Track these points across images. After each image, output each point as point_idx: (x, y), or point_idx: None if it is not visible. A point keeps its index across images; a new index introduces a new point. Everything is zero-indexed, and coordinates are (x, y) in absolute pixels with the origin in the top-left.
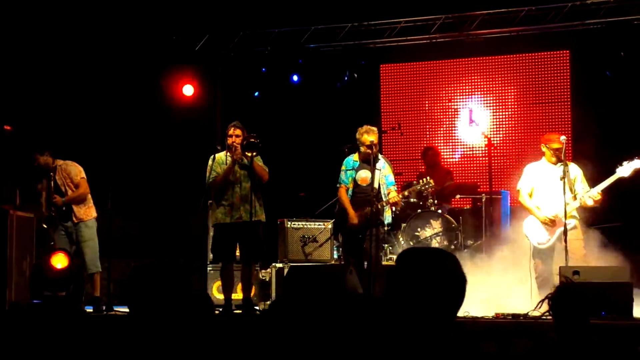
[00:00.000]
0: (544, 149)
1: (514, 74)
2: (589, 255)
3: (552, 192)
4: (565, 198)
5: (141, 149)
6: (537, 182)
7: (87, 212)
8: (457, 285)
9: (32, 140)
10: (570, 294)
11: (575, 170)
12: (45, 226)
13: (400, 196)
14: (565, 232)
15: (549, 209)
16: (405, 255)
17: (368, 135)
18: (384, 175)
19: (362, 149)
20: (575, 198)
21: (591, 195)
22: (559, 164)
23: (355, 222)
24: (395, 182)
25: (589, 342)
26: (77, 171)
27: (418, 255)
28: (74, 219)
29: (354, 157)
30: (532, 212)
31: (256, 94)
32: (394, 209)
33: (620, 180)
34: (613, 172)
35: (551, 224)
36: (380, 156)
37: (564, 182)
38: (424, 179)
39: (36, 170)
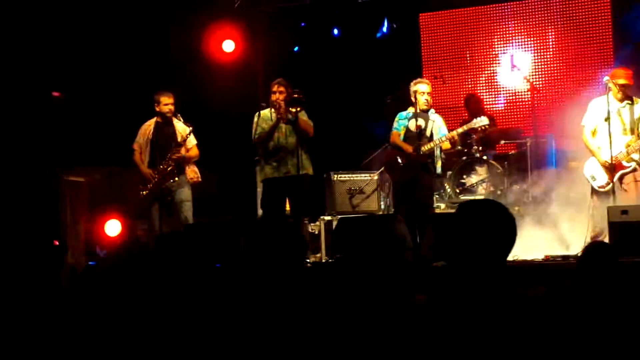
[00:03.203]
0: (610, 84)
1: (554, 16)
2: None
3: (615, 131)
4: (623, 139)
5: (183, 107)
6: (600, 119)
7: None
8: (510, 234)
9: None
10: (599, 253)
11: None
12: (152, 182)
13: (455, 133)
14: (621, 176)
15: (612, 148)
16: (464, 207)
17: (415, 86)
18: (437, 126)
19: (412, 98)
20: (637, 138)
21: None
22: (625, 101)
23: (411, 149)
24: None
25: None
26: (193, 137)
27: (476, 207)
28: (188, 177)
29: (409, 109)
30: (594, 153)
31: (296, 49)
32: (443, 156)
33: None
34: None
35: (611, 167)
36: (432, 110)
37: (621, 121)
38: (479, 117)
39: (159, 115)
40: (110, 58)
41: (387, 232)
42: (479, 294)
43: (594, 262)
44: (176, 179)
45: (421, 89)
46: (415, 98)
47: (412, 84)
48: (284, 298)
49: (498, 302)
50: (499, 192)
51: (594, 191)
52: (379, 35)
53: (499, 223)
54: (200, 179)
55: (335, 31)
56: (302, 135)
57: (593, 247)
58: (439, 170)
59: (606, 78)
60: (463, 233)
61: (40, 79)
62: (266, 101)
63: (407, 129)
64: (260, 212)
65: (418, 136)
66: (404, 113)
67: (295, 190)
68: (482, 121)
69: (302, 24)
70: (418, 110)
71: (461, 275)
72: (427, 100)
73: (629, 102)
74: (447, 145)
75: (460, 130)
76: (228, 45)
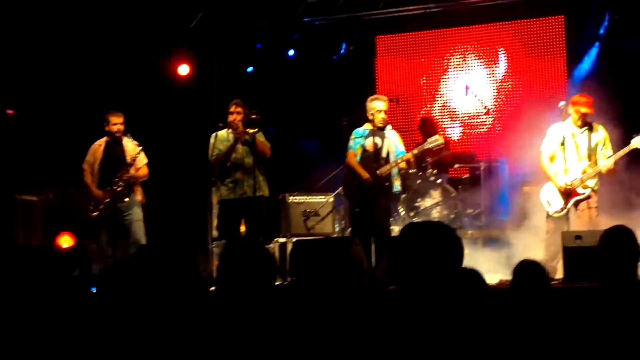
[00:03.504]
0: (570, 111)
1: (510, 41)
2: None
3: (572, 157)
4: (579, 165)
5: (139, 130)
6: (558, 145)
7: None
8: (454, 254)
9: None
10: (530, 270)
11: (598, 135)
12: (104, 202)
13: (411, 154)
14: (577, 202)
15: (568, 174)
16: (406, 229)
17: (372, 103)
18: (393, 144)
19: (369, 116)
20: (594, 165)
21: (604, 165)
22: (584, 127)
23: (367, 176)
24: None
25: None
26: (144, 156)
27: (418, 229)
28: (138, 197)
29: (365, 126)
30: (551, 179)
31: (250, 69)
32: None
33: (636, 151)
34: (627, 143)
35: (567, 192)
36: (389, 127)
37: (577, 147)
38: (433, 137)
39: (108, 135)
40: (65, 77)
41: (344, 254)
42: (430, 315)
43: (526, 279)
44: (126, 199)
45: (378, 107)
46: (373, 115)
47: (368, 100)
48: (256, 321)
49: (451, 323)
50: (452, 216)
51: (549, 216)
52: (335, 57)
53: (441, 244)
54: (144, 200)
55: (291, 52)
56: (259, 156)
57: (523, 265)
58: (398, 188)
59: (562, 103)
60: (406, 255)
61: None
62: (222, 122)
63: (364, 149)
64: (215, 233)
65: (375, 155)
66: (360, 130)
67: (251, 212)
68: (437, 140)
69: (258, 45)
70: (375, 127)
71: (411, 297)
72: (383, 118)
73: (588, 128)
74: (403, 165)
75: (415, 151)
76: (183, 69)
